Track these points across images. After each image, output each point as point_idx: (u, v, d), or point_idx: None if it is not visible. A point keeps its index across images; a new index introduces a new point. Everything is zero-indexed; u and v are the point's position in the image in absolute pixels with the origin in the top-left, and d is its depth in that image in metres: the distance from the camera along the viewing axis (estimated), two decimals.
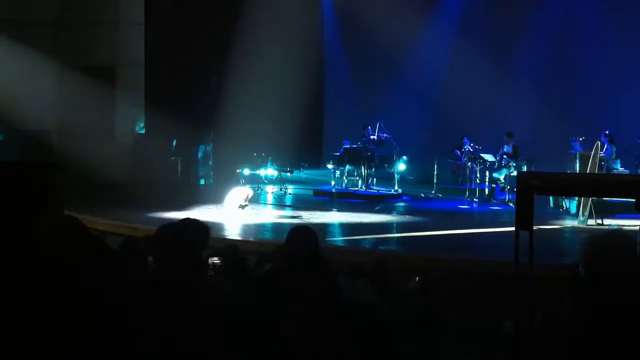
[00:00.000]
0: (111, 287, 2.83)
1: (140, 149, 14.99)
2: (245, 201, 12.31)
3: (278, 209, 13.34)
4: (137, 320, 2.85)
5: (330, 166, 15.66)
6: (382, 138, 15.43)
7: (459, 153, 15.79)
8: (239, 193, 12.49)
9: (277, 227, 11.05)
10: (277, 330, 3.11)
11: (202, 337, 2.92)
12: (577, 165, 11.98)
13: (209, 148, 16.17)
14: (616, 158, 13.16)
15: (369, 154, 15.05)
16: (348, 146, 15.32)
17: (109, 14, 15.24)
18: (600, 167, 11.62)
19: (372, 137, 15.46)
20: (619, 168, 13.09)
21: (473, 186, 14.79)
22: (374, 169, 15.23)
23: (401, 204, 14.36)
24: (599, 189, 7.04)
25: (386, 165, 15.32)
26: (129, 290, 3.02)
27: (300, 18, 16.89)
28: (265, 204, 13.97)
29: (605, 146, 13.10)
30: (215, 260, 4.92)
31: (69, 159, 12.16)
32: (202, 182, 16.20)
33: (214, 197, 13.73)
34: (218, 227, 10.26)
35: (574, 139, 13.27)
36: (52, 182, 2.44)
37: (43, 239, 2.37)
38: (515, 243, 5.56)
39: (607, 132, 13.20)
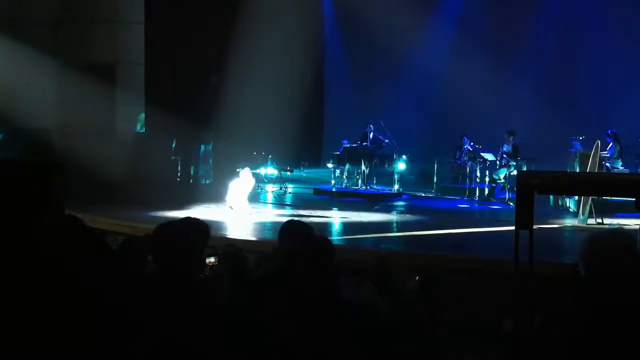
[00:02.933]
0: (111, 286, 2.83)
1: (140, 148, 14.98)
2: (248, 194, 12.33)
3: (278, 208, 13.34)
4: (137, 320, 2.85)
5: (330, 165, 15.66)
6: (383, 144, 15.42)
7: (462, 156, 15.75)
8: (241, 185, 12.46)
9: (277, 227, 10.99)
10: (277, 330, 3.10)
11: (202, 337, 2.92)
12: (577, 164, 11.98)
13: (209, 147, 16.17)
14: (618, 157, 13.15)
15: (369, 152, 15.06)
16: (348, 145, 15.33)
17: (109, 13, 15.22)
18: (601, 166, 11.63)
19: (370, 135, 15.50)
20: (620, 167, 13.08)
21: (473, 185, 14.80)
22: (369, 168, 15.16)
23: (401, 202, 14.36)
24: (599, 188, 7.03)
25: (386, 164, 15.32)
26: (129, 290, 3.01)
27: (301, 18, 16.90)
28: (265, 203, 13.97)
29: (610, 145, 13.11)
30: (214, 259, 4.91)
31: (68, 158, 12.17)
32: (202, 181, 16.20)
33: (214, 196, 13.73)
34: (218, 226, 10.26)
35: (574, 137, 13.28)
36: (52, 181, 2.43)
37: (43, 238, 2.36)
38: (515, 242, 5.56)
39: (610, 131, 13.22)
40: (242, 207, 12.22)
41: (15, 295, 2.28)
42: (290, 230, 4.51)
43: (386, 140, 15.41)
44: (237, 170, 13.33)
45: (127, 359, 2.78)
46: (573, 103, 16.41)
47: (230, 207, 12.14)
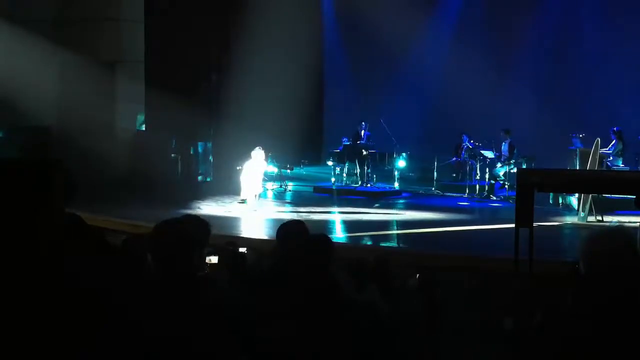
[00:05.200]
0: (111, 285, 2.83)
1: (140, 146, 14.98)
2: (263, 177, 12.31)
3: (278, 206, 13.33)
4: (137, 319, 2.85)
5: (330, 163, 15.66)
6: (362, 143, 15.41)
7: (463, 153, 15.75)
8: (254, 167, 12.32)
9: (277, 225, 11.01)
10: (277, 329, 3.10)
11: (202, 336, 2.92)
12: (577, 161, 11.98)
13: (209, 145, 16.17)
14: (619, 155, 13.14)
15: (370, 151, 15.06)
16: (348, 143, 15.34)
17: (110, 11, 15.22)
18: (601, 164, 11.62)
19: (362, 133, 15.52)
20: (620, 165, 13.07)
21: (473, 183, 14.80)
22: (367, 166, 15.13)
23: (401, 200, 14.36)
24: (599, 186, 7.04)
25: (386, 162, 15.30)
26: (130, 289, 3.01)
27: (301, 16, 16.87)
28: (265, 201, 13.96)
29: (613, 142, 13.11)
30: (214, 257, 4.92)
31: (69, 155, 12.17)
32: (202, 179, 16.20)
33: (214, 193, 13.73)
34: (218, 223, 10.25)
35: (574, 135, 13.27)
36: (52, 179, 2.43)
37: (43, 237, 2.36)
38: (515, 240, 5.56)
39: (615, 128, 13.22)
40: (256, 192, 12.17)
41: (15, 294, 2.28)
42: (286, 231, 4.50)
43: (364, 141, 15.39)
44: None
45: (127, 358, 2.78)
46: (573, 101, 16.38)
47: (241, 202, 12.12)
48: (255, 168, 12.33)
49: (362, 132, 15.60)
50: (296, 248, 3.61)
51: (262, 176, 12.74)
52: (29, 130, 14.50)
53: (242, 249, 5.56)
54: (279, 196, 14.66)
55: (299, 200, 14.18)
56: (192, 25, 15.06)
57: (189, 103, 14.72)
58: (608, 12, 16.38)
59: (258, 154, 12.47)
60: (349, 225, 11.30)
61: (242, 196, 12.23)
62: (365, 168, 15.02)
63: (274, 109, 16.05)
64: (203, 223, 4.30)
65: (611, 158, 12.88)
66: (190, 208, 11.83)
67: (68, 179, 2.55)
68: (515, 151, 14.49)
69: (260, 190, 12.65)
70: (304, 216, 11.76)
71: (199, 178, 16.12)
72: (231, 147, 15.03)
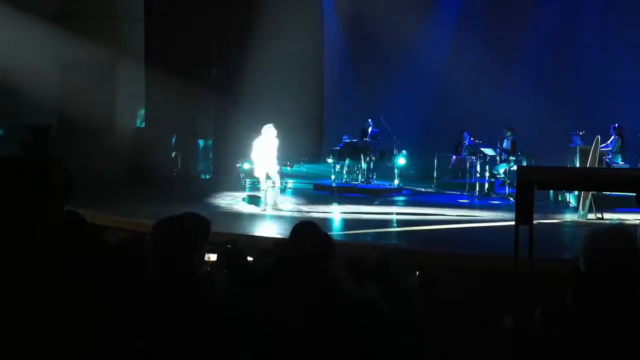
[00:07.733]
0: (111, 285, 2.83)
1: (140, 144, 14.98)
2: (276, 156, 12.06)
3: (278, 204, 13.30)
4: (137, 318, 2.85)
5: (330, 160, 15.65)
6: (378, 137, 15.39)
7: (463, 151, 15.77)
8: (266, 145, 12.06)
9: (277, 222, 11.05)
10: (277, 327, 3.10)
11: (202, 335, 2.92)
12: (577, 159, 11.98)
13: (209, 142, 16.17)
14: (619, 152, 13.14)
15: (368, 147, 15.05)
16: (348, 140, 15.33)
17: (111, 8, 15.22)
18: (601, 161, 11.62)
19: (369, 130, 15.50)
20: (620, 162, 13.08)
21: (473, 180, 14.79)
22: (369, 163, 15.10)
23: (401, 198, 14.36)
24: (599, 183, 7.04)
25: (386, 160, 15.30)
26: (129, 288, 3.01)
27: (301, 13, 16.86)
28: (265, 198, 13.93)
29: (612, 138, 13.11)
30: (214, 255, 4.91)
31: (69, 153, 12.16)
32: (202, 176, 16.20)
33: (214, 191, 13.72)
34: (218, 221, 10.22)
35: (574, 132, 13.26)
36: (52, 177, 2.43)
37: (42, 235, 2.36)
38: (515, 237, 5.55)
39: (616, 125, 13.23)
40: (272, 171, 11.98)
41: (15, 294, 2.28)
42: (301, 230, 4.48)
43: (369, 139, 15.38)
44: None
45: (127, 356, 2.78)
46: (573, 98, 16.39)
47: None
48: (267, 146, 11.98)
49: (370, 129, 15.59)
50: (301, 247, 3.60)
51: (275, 155, 12.32)
52: (29, 128, 14.50)
53: (242, 247, 5.55)
54: (279, 194, 14.63)
55: (299, 197, 14.17)
56: (192, 24, 15.06)
57: (189, 101, 14.73)
58: (608, 11, 16.36)
59: (269, 131, 12.02)
60: (349, 223, 11.29)
61: (256, 174, 12.04)
62: (367, 165, 14.99)
63: (273, 106, 16.04)
64: (203, 221, 4.29)
65: (610, 155, 12.88)
66: (190, 205, 11.81)
67: (66, 177, 2.54)
68: (517, 149, 14.50)
69: (277, 168, 12.24)
70: (304, 214, 11.75)
71: (200, 176, 16.14)
72: (231, 145, 15.04)
